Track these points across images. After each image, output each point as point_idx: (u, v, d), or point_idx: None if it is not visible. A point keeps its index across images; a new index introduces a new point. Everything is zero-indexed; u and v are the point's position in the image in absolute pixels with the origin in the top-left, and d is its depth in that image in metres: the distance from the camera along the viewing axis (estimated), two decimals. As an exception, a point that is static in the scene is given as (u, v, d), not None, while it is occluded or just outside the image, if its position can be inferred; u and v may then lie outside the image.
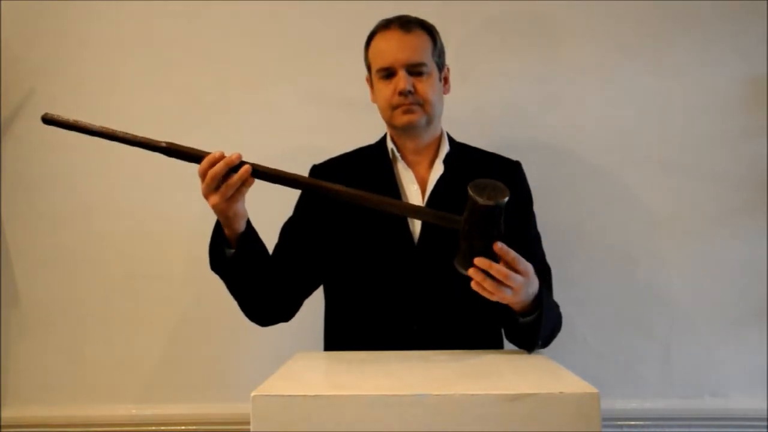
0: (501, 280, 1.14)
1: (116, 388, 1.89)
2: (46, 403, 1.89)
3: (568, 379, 0.98)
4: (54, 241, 1.91)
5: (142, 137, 1.21)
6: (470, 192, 1.13)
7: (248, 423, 0.88)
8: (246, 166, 1.20)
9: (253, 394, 0.88)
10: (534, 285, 1.23)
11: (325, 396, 0.88)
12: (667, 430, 1.85)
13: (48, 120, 1.20)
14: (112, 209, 1.91)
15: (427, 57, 1.41)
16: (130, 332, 1.90)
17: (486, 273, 1.14)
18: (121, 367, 1.89)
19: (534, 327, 1.26)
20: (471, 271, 1.14)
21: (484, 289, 1.15)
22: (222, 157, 1.19)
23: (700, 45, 1.89)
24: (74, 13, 1.93)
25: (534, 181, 1.54)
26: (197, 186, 1.88)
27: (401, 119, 1.41)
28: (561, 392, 0.88)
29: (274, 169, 1.22)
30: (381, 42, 1.43)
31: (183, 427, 1.87)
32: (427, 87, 1.41)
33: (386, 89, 1.42)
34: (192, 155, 1.21)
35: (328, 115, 1.89)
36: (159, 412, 1.88)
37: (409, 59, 1.40)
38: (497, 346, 1.45)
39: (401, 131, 1.45)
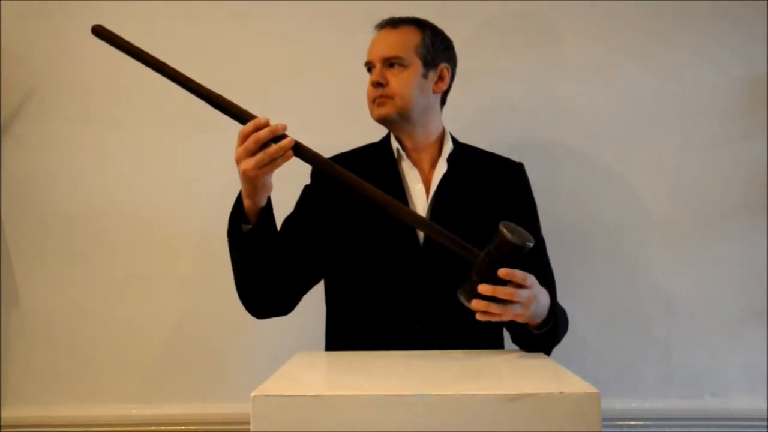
0: (508, 299, 1.15)
1: (116, 388, 1.89)
2: (46, 403, 1.89)
3: (568, 379, 0.98)
4: (54, 241, 1.91)
5: (192, 80, 1.18)
6: (501, 229, 1.13)
7: (248, 423, 0.88)
8: (289, 138, 1.17)
9: (253, 394, 0.88)
10: (544, 296, 1.24)
11: (325, 396, 0.88)
12: (667, 430, 1.85)
13: (98, 32, 1.18)
14: (111, 209, 1.91)
15: (406, 51, 1.42)
16: (130, 332, 1.90)
17: (491, 298, 1.14)
18: (121, 367, 1.89)
19: (549, 337, 1.27)
20: (474, 303, 1.14)
21: (492, 314, 1.15)
22: (267, 123, 1.16)
23: (700, 45, 1.89)
24: (74, 13, 1.93)
25: (533, 180, 1.54)
26: (198, 186, 1.90)
27: (375, 112, 1.44)
28: (561, 392, 0.88)
29: (313, 151, 1.20)
30: (372, 40, 1.47)
31: (183, 427, 1.87)
32: (400, 80, 1.41)
33: (369, 84, 1.44)
34: (236, 113, 1.18)
35: (331, 115, 1.89)
36: (159, 412, 1.88)
37: (384, 53, 1.42)
38: (498, 346, 1.45)
39: (384, 126, 1.47)
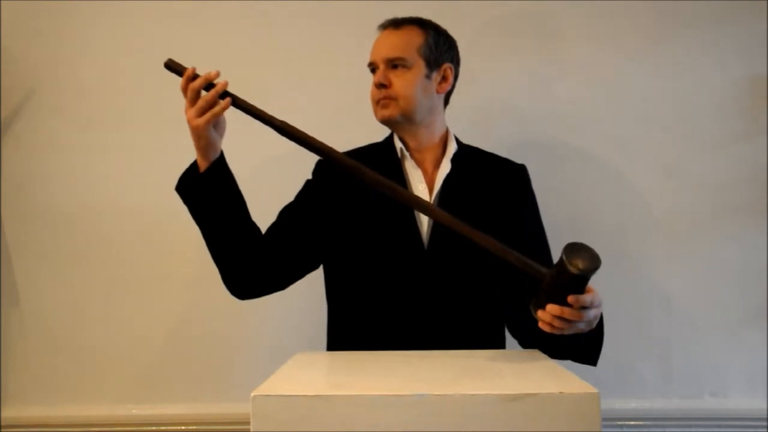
0: (575, 320, 1.13)
1: (116, 388, 1.89)
2: (46, 403, 1.89)
3: (568, 379, 0.98)
4: (54, 241, 1.91)
5: (278, 119, 1.25)
6: (563, 256, 1.10)
7: (248, 423, 0.88)
8: (222, 82, 1.24)
9: (253, 394, 0.88)
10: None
11: (325, 396, 0.88)
12: (667, 430, 1.85)
13: (170, 66, 1.27)
14: (111, 209, 1.91)
15: (409, 52, 1.42)
16: (130, 332, 1.90)
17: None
18: (121, 367, 1.89)
19: (597, 341, 1.28)
20: (539, 313, 1.13)
21: (554, 327, 1.13)
22: (194, 71, 1.24)
23: (700, 45, 1.89)
24: (74, 13, 1.93)
25: (534, 180, 1.54)
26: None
27: (378, 114, 1.44)
28: (561, 392, 0.88)
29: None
30: (375, 41, 1.46)
31: (183, 427, 1.87)
32: (403, 81, 1.41)
33: (372, 85, 1.44)
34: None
35: (334, 115, 1.89)
36: (159, 412, 1.88)
37: (387, 54, 1.42)
38: (498, 346, 1.45)
39: (388, 127, 1.47)
